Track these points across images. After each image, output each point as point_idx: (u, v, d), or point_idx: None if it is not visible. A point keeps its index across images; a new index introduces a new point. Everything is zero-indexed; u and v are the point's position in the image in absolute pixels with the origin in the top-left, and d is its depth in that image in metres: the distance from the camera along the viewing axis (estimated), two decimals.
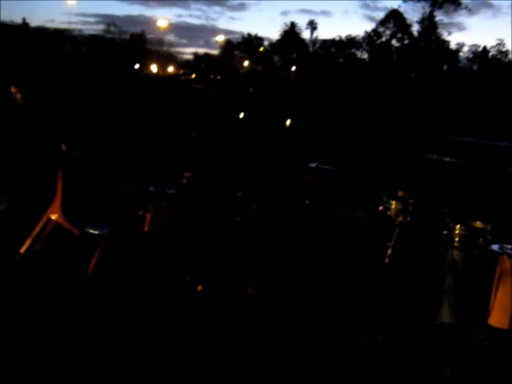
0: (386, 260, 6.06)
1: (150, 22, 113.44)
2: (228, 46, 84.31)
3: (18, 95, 12.33)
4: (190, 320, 5.11)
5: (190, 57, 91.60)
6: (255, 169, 7.73)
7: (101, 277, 5.55)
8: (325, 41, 78.34)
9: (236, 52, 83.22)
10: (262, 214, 7.06)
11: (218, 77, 63.78)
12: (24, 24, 72.76)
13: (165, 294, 5.45)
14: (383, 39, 71.35)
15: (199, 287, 5.72)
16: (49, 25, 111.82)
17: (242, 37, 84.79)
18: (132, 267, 5.86)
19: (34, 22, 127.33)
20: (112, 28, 75.26)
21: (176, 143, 7.63)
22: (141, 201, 7.56)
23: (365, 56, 73.74)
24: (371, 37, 72.54)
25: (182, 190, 7.13)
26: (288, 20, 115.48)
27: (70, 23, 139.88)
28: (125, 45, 72.06)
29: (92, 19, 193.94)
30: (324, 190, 7.71)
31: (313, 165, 8.03)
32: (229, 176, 7.35)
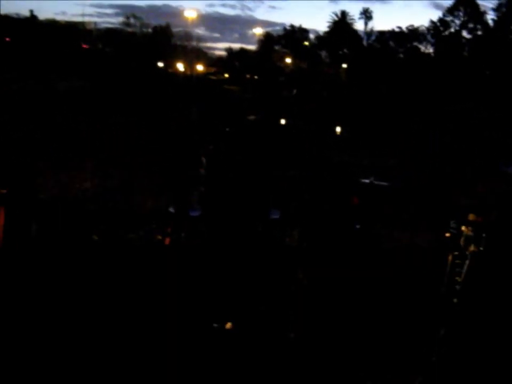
0: (455, 300, 5.86)
1: (176, 13, 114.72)
2: (267, 40, 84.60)
3: None
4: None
5: (223, 53, 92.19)
6: (295, 186, 7.66)
7: None
8: (381, 33, 77.98)
9: (276, 47, 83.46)
10: (305, 241, 6.99)
11: (256, 77, 64.01)
12: (32, 17, 74.45)
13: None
14: (452, 30, 70.70)
15: (228, 325, 5.82)
16: (60, 18, 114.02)
17: (284, 29, 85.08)
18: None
19: (43, 14, 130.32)
20: (132, 20, 76.34)
21: (200, 154, 7.64)
22: (160, 224, 7.61)
23: (430, 50, 73.17)
24: (437, 27, 71.94)
25: (207, 210, 7.19)
26: (338, 8, 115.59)
27: (84, 15, 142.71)
28: (147, 40, 72.97)
29: (109, 10, 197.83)
30: (378, 211, 7.60)
31: (366, 180, 7.92)
32: (263, 194, 7.31)
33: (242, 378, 5.39)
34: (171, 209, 6.69)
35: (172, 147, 11.03)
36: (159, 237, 6.95)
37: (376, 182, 7.36)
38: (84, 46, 64.83)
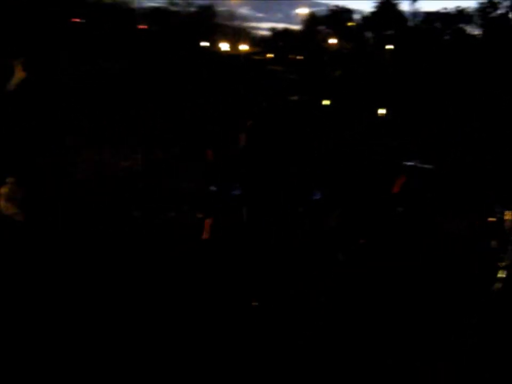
0: (496, 286, 5.78)
1: None
2: (312, 20, 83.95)
3: None
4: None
5: (267, 33, 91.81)
6: (336, 167, 7.62)
7: None
8: (428, 14, 76.73)
9: (320, 28, 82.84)
10: (346, 223, 6.95)
11: (300, 57, 63.73)
12: None
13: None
14: (501, 11, 69.25)
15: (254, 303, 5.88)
16: None
17: (329, 9, 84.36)
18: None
19: None
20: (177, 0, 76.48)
21: (239, 131, 7.67)
22: (200, 203, 7.64)
23: (478, 32, 71.80)
24: (485, 8, 70.54)
25: (248, 190, 7.17)
26: None
27: None
28: (191, 19, 73.07)
29: None
30: (424, 194, 7.50)
31: (410, 163, 7.82)
32: (305, 174, 7.28)
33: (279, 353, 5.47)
34: (213, 188, 6.68)
35: (215, 126, 11.05)
36: (200, 215, 6.99)
37: (419, 165, 7.26)
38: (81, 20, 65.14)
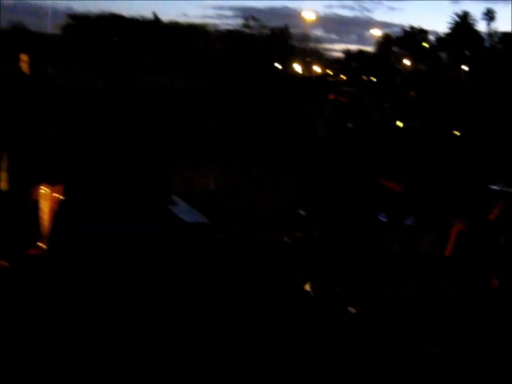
0: None
1: (294, 14, 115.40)
2: (385, 41, 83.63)
3: None
4: None
5: (340, 55, 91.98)
6: (424, 189, 7.50)
7: None
8: (505, 34, 75.38)
9: (394, 49, 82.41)
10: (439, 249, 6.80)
11: (373, 78, 63.49)
12: (156, 20, 77.13)
13: None
14: None
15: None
16: (182, 20, 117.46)
17: (403, 30, 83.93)
18: None
19: (166, 17, 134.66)
20: (251, 22, 77.49)
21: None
22: (287, 225, 7.60)
23: None
24: None
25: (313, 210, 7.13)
26: (459, 9, 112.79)
27: (204, 17, 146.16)
28: (265, 41, 73.89)
29: (228, 12, 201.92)
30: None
31: (496, 187, 7.57)
32: (372, 196, 7.22)
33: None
34: (301, 212, 6.60)
35: (292, 147, 11.17)
36: (286, 239, 6.98)
37: (505, 189, 7.09)
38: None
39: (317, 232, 6.74)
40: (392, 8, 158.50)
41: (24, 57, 7.83)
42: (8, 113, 7.30)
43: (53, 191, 6.57)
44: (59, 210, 6.52)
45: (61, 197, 6.53)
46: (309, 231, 6.87)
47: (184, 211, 8.11)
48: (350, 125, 6.73)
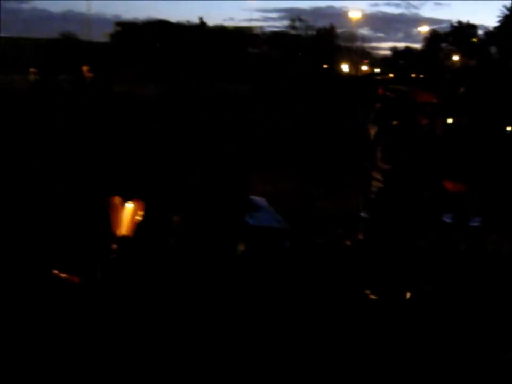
0: None
1: (340, 14, 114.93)
2: (433, 38, 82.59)
3: None
4: None
5: (387, 53, 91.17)
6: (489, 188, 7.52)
7: None
8: None
9: (442, 45, 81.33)
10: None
11: (421, 75, 62.82)
12: (202, 24, 77.74)
13: None
14: None
15: None
16: (228, 24, 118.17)
17: (451, 26, 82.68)
18: None
19: (212, 21, 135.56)
20: (297, 23, 77.47)
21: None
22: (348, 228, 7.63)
23: None
24: None
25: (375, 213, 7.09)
26: (508, 2, 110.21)
27: (250, 20, 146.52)
28: (311, 42, 73.80)
29: (274, 14, 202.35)
30: None
31: None
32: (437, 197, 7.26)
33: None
34: (363, 214, 6.52)
35: (347, 148, 11.24)
36: (348, 242, 6.99)
37: None
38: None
39: (380, 235, 6.72)
40: (439, 4, 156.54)
41: (85, 67, 8.24)
42: (75, 122, 7.67)
43: (130, 203, 6.66)
44: (139, 223, 6.61)
45: (141, 210, 6.62)
46: (371, 234, 6.84)
47: (260, 215, 7.86)
48: (395, 122, 6.82)
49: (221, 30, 73.41)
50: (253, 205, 7.93)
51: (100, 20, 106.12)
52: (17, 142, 7.30)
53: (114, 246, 6.49)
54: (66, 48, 47.55)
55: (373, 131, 7.08)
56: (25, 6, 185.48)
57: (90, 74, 8.12)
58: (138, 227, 6.59)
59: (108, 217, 6.49)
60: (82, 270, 6.23)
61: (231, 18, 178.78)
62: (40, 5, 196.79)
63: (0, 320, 5.44)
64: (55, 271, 6.05)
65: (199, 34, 69.22)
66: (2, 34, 69.07)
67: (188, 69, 41.95)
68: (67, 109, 7.53)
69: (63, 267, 6.09)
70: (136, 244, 6.53)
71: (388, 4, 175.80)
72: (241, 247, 7.03)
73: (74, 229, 6.34)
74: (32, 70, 8.35)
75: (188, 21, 75.90)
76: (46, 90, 8.18)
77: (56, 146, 7.08)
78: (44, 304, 5.66)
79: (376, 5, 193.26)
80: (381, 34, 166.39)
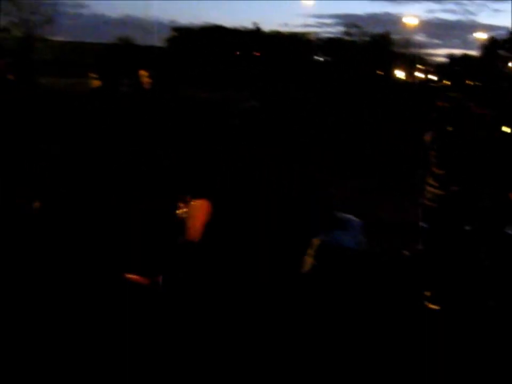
0: None
1: (395, 20, 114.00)
2: (491, 44, 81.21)
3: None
4: None
5: (443, 59, 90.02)
6: None
7: None
8: None
9: (500, 52, 79.92)
10: None
11: (477, 83, 61.93)
12: (257, 30, 78.19)
13: None
14: None
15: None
16: (282, 29, 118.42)
17: (509, 32, 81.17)
18: None
19: (267, 26, 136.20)
20: (352, 30, 77.16)
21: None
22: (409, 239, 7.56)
23: None
24: None
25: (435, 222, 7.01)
26: None
27: (305, 26, 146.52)
28: (366, 48, 73.42)
29: (329, 21, 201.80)
30: None
31: None
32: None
33: None
34: (423, 224, 6.42)
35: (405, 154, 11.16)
36: (405, 253, 6.91)
37: None
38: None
39: (441, 246, 6.66)
40: (497, 10, 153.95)
41: (143, 72, 8.42)
42: (145, 125, 7.83)
43: (199, 204, 6.67)
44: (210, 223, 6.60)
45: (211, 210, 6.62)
46: (432, 244, 6.78)
47: (341, 233, 7.61)
48: (450, 128, 6.82)
49: (276, 36, 73.62)
50: (338, 221, 7.66)
51: (156, 25, 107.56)
52: (90, 145, 7.50)
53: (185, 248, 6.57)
54: (124, 53, 48.38)
55: (428, 137, 7.08)
56: (84, 11, 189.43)
57: (148, 80, 8.31)
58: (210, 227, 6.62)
59: (178, 219, 6.52)
60: (153, 271, 6.32)
61: (286, 24, 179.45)
62: (99, 10, 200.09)
63: (75, 322, 5.60)
64: (127, 274, 6.16)
65: (254, 39, 69.61)
66: (62, 39, 70.67)
67: (243, 73, 42.32)
68: (135, 112, 7.72)
69: (134, 269, 6.22)
70: (208, 246, 6.57)
71: (444, 10, 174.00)
72: (309, 262, 6.93)
73: (145, 230, 6.47)
74: (92, 74, 8.59)
75: (243, 27, 76.39)
76: (111, 94, 8.40)
77: (130, 149, 7.24)
78: (118, 306, 5.80)
79: (432, 11, 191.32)
80: (437, 41, 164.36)
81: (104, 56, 47.81)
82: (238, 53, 64.59)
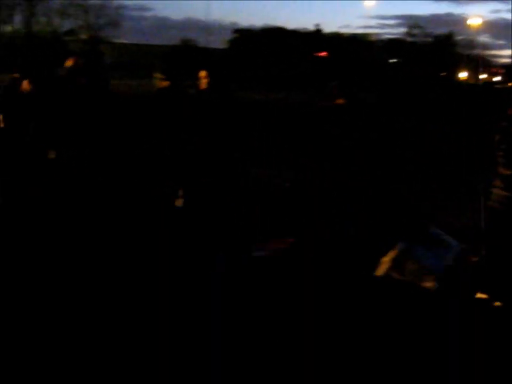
0: None
1: (458, 21, 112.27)
2: None
3: None
4: None
5: (509, 60, 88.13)
6: None
7: None
8: None
9: None
10: None
11: None
12: (317, 31, 77.94)
13: None
14: None
15: None
16: (344, 31, 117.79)
17: None
18: None
19: (328, 28, 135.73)
20: (415, 30, 76.24)
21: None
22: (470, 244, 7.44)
23: None
24: None
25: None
26: None
27: (366, 27, 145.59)
28: (428, 49, 72.46)
29: (391, 22, 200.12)
30: None
31: None
32: None
33: None
34: (486, 227, 6.26)
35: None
36: (473, 259, 6.78)
37: None
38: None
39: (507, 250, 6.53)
40: None
41: (202, 73, 8.46)
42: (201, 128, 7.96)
43: None
44: None
45: None
46: (499, 249, 6.64)
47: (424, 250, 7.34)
48: None
49: (336, 37, 73.35)
50: (429, 237, 7.43)
51: (218, 27, 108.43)
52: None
53: None
54: (186, 55, 48.94)
55: (495, 138, 6.93)
56: (147, 14, 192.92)
57: (206, 80, 8.38)
58: None
59: None
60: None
61: (347, 26, 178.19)
62: (162, 13, 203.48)
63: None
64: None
65: (314, 41, 69.50)
66: (126, 41, 71.97)
67: (304, 75, 42.32)
68: (208, 113, 7.87)
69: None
70: None
71: (510, 11, 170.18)
72: (383, 268, 6.88)
73: None
74: (157, 74, 8.74)
75: (305, 28, 76.34)
76: (178, 94, 8.52)
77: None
78: None
79: (498, 11, 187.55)
80: (502, 42, 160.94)
81: (167, 58, 48.46)
82: (321, 53, 64.37)
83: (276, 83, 40.76)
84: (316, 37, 73.76)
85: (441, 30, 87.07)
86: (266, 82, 40.31)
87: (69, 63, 8.06)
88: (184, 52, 55.33)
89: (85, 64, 6.15)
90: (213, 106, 8.23)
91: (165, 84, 8.97)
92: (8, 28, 61.65)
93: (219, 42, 75.28)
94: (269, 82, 41.60)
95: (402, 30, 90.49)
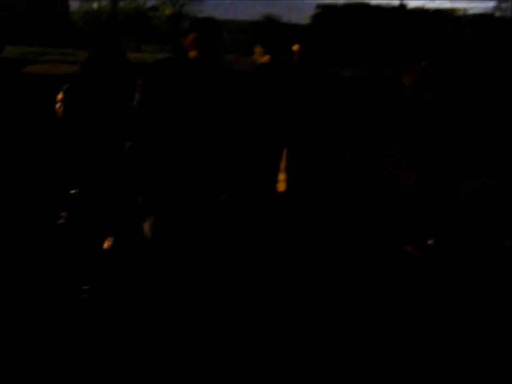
0: None
1: None
2: None
3: None
4: None
5: None
6: None
7: None
8: None
9: None
10: None
11: None
12: (402, 6, 76.32)
13: None
14: None
15: None
16: (429, 5, 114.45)
17: None
18: None
19: (413, 3, 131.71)
20: (503, 5, 73.68)
21: None
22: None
23: None
24: None
25: None
26: None
27: (453, 1, 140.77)
28: None
29: None
30: None
31: None
32: None
33: None
34: None
35: None
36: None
37: None
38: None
39: None
40: None
41: (257, 49, 8.57)
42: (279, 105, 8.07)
43: None
44: None
45: None
46: None
47: None
48: None
49: (421, 12, 71.71)
50: None
51: (301, 3, 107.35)
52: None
53: None
54: (271, 30, 48.85)
55: None
56: None
57: (299, 55, 8.53)
58: None
59: None
60: None
61: (433, 1, 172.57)
62: None
63: None
64: None
65: (399, 16, 68.19)
66: (209, 16, 72.02)
67: (388, 51, 41.75)
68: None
69: None
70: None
71: None
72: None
73: None
74: (258, 49, 8.81)
75: (388, 3, 74.85)
76: (285, 68, 8.70)
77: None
78: None
79: None
80: None
81: (252, 34, 48.45)
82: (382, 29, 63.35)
83: (360, 59, 40.38)
84: (401, 12, 72.26)
85: None
86: (353, 57, 39.97)
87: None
88: (268, 28, 55.23)
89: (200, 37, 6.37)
90: (312, 82, 8.40)
91: (265, 58, 9.14)
92: (94, 5, 62.89)
93: (302, 18, 74.66)
94: (356, 58, 41.25)
95: (491, 4, 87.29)
